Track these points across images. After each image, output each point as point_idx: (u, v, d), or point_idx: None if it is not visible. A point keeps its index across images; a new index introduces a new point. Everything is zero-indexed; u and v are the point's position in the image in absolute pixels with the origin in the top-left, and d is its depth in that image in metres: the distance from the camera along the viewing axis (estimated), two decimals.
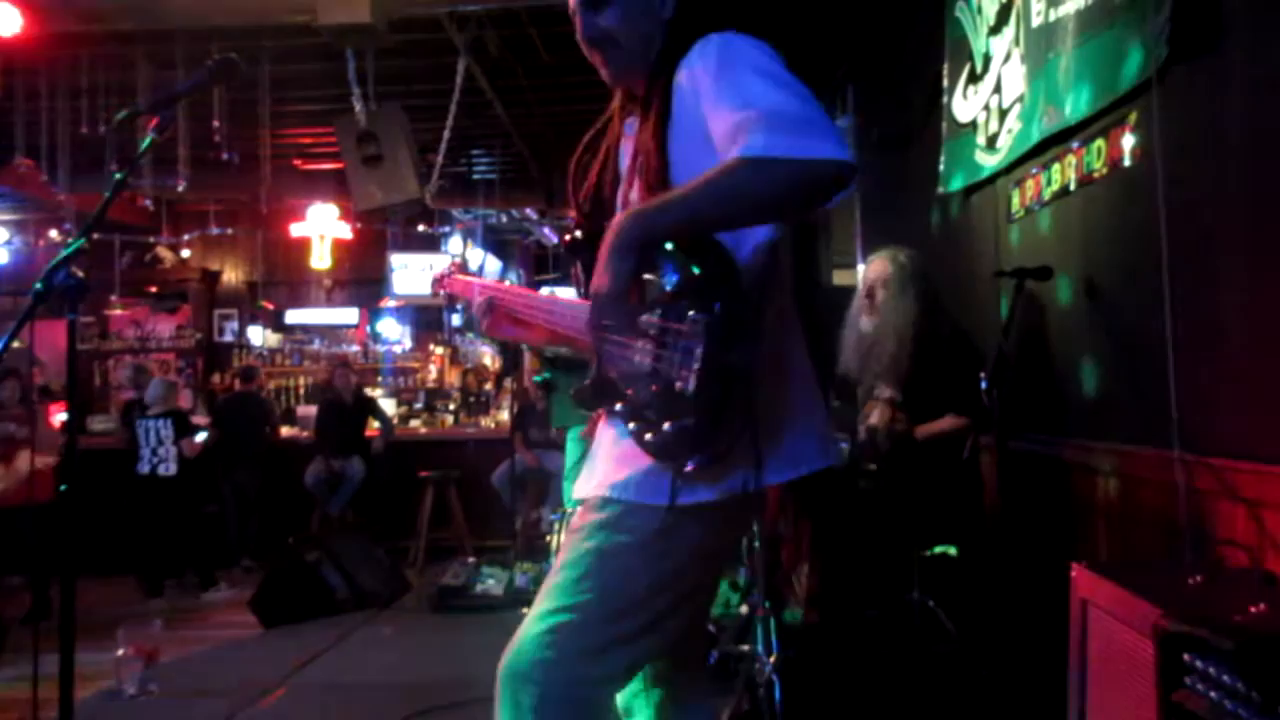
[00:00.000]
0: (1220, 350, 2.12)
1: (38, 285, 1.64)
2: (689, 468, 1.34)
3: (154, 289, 9.99)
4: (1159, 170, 2.26)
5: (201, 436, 6.22)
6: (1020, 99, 3.10)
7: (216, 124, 5.67)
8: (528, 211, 9.38)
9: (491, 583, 5.39)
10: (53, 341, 4.46)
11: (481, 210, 9.02)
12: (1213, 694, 1.33)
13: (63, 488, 2.58)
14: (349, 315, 10.27)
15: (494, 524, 6.79)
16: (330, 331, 10.38)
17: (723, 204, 1.28)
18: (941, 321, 3.26)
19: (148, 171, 6.49)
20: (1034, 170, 3.04)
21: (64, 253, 1.64)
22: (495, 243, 10.98)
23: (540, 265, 11.49)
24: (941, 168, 3.84)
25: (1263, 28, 1.98)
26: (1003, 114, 3.25)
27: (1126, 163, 2.46)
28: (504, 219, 9.88)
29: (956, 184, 3.72)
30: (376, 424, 7.17)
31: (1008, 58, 3.22)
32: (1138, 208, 2.39)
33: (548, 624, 1.39)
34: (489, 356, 10.25)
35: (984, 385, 2.71)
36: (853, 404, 3.41)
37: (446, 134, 5.61)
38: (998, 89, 3.30)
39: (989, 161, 3.37)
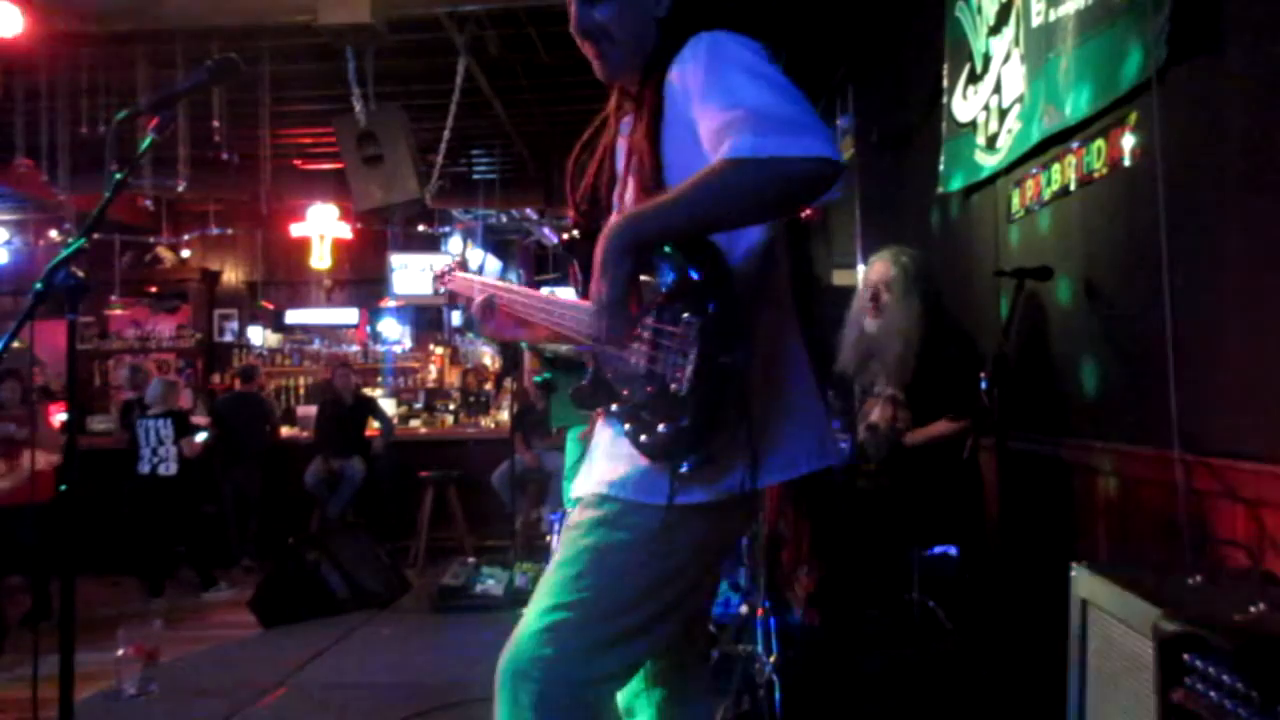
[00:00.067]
0: (1220, 350, 2.12)
1: (38, 285, 1.64)
2: (684, 469, 1.34)
3: (154, 289, 10.01)
4: (1159, 170, 2.26)
5: (201, 436, 6.22)
6: (1020, 99, 3.10)
7: (216, 124, 5.67)
8: (527, 211, 9.38)
9: (491, 583, 5.39)
10: (53, 341, 4.45)
11: (481, 210, 9.02)
12: (1212, 694, 1.33)
13: (62, 488, 2.57)
14: (349, 315, 10.27)
15: (494, 524, 6.78)
16: (330, 331, 10.38)
17: (713, 206, 1.28)
18: (944, 322, 3.27)
19: (148, 171, 6.49)
20: (1034, 170, 3.04)
21: (64, 253, 1.64)
22: (495, 242, 10.99)
23: (540, 265, 11.50)
24: (941, 168, 3.83)
25: (1263, 28, 1.98)
26: (1002, 114, 3.25)
27: (1126, 163, 2.45)
28: (504, 219, 9.89)
29: (956, 184, 3.72)
30: (376, 424, 7.17)
31: (1007, 58, 3.22)
32: (1138, 208, 2.39)
33: (546, 621, 1.39)
34: (489, 356, 10.25)
35: (984, 385, 2.71)
36: (850, 403, 3.41)
37: (446, 134, 5.62)
38: (998, 89, 3.30)
39: (989, 161, 3.37)
